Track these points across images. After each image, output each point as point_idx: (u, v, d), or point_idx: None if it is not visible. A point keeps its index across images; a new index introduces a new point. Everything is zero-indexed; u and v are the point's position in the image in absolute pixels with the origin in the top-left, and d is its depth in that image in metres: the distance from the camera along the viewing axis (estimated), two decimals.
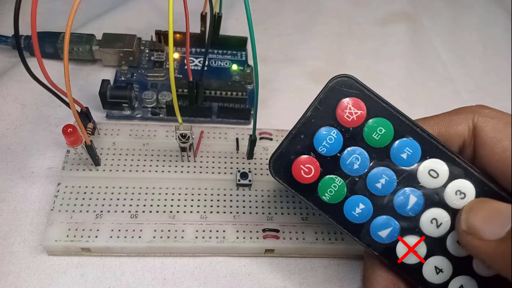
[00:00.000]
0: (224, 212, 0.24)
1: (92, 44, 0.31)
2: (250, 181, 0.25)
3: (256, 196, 0.25)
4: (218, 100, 0.30)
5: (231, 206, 0.25)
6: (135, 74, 0.31)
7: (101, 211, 0.23)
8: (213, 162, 0.26)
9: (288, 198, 0.25)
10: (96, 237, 0.22)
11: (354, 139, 0.18)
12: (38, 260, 0.23)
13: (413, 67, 0.38)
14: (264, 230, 0.24)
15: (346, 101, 0.18)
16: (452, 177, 0.18)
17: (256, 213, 0.25)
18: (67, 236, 0.22)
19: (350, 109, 0.18)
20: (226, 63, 0.34)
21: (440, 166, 0.18)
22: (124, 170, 0.25)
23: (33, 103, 0.29)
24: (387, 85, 0.36)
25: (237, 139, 0.28)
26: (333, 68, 0.36)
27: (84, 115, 0.25)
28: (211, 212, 0.24)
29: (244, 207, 0.25)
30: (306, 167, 0.18)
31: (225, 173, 0.26)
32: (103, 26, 0.35)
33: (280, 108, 0.32)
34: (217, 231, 0.24)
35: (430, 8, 0.45)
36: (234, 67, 0.33)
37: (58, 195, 0.24)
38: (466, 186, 0.18)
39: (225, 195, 0.25)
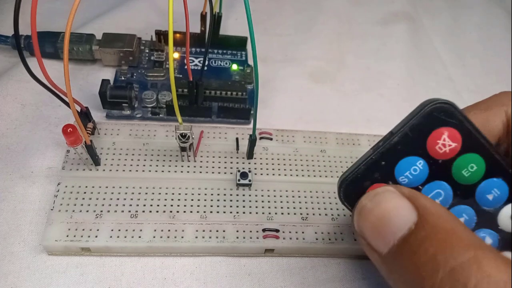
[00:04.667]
0: (224, 212, 0.24)
1: (92, 44, 0.31)
2: (250, 181, 0.25)
3: (256, 196, 0.25)
4: (218, 100, 0.30)
5: (231, 206, 0.25)
6: (135, 74, 0.31)
7: (101, 211, 0.23)
8: (213, 162, 0.26)
9: (288, 198, 0.25)
10: (96, 237, 0.22)
11: (441, 173, 0.16)
12: (38, 260, 0.23)
13: (413, 67, 0.38)
14: (264, 230, 0.24)
15: (442, 131, 0.16)
16: None
17: (256, 213, 0.25)
18: (67, 236, 0.22)
19: (445, 140, 0.16)
20: (226, 63, 0.34)
21: None
22: (124, 170, 0.25)
23: (33, 103, 0.29)
24: (387, 85, 0.36)
25: (237, 139, 0.28)
26: (333, 68, 0.36)
27: (84, 115, 0.25)
28: (211, 212, 0.24)
29: (244, 207, 0.25)
30: None
31: (225, 173, 0.26)
32: (103, 26, 0.35)
33: (280, 108, 0.32)
34: (217, 231, 0.24)
35: (430, 8, 0.45)
36: (234, 67, 0.33)
37: (58, 195, 0.24)
38: None
39: (225, 195, 0.25)
